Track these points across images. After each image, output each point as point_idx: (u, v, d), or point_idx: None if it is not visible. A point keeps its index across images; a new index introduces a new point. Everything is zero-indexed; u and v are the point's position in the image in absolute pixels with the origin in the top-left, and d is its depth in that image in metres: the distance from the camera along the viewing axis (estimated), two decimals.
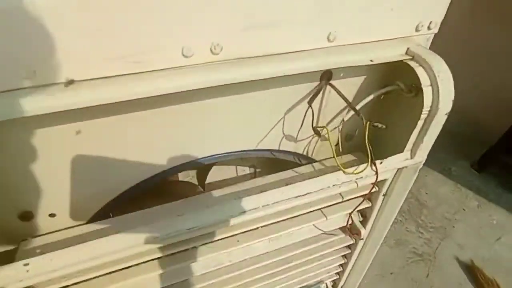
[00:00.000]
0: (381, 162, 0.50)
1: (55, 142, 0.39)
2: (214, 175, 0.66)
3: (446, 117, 0.48)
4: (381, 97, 0.55)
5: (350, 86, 0.53)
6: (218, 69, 0.38)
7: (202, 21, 0.36)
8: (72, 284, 0.43)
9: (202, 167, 0.67)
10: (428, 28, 0.51)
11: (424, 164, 1.94)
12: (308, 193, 0.45)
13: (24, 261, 0.34)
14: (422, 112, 0.46)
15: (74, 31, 0.31)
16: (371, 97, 0.51)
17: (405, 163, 0.52)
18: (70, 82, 0.33)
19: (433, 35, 0.53)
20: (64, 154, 0.41)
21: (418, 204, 1.75)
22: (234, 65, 0.40)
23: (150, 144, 0.46)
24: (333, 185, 0.47)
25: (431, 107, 0.46)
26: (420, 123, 0.48)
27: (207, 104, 0.45)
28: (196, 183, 0.69)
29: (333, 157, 0.47)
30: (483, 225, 1.69)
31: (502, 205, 1.79)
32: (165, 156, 0.48)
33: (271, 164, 0.65)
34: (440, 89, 0.45)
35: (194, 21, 0.36)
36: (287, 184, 0.46)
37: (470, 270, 1.49)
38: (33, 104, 0.31)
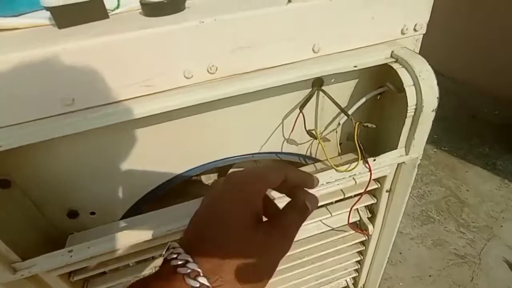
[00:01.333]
0: (374, 159, 0.53)
1: (95, 153, 0.49)
2: None
3: (433, 113, 0.50)
4: (378, 97, 0.59)
5: (344, 89, 0.57)
6: (214, 86, 0.46)
7: (196, 49, 0.43)
8: (109, 271, 0.53)
9: (221, 170, 0.74)
10: (415, 30, 0.54)
11: (463, 159, 1.86)
12: None
13: (69, 248, 0.44)
14: (408, 110, 0.49)
15: (105, 68, 0.41)
16: (363, 100, 0.55)
17: (400, 159, 0.55)
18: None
19: (421, 35, 0.55)
20: (102, 163, 0.51)
21: (458, 202, 1.67)
22: (228, 81, 0.46)
23: (171, 150, 0.54)
24: (327, 183, 0.51)
25: (416, 105, 0.49)
26: (408, 121, 0.51)
27: (213, 115, 0.53)
28: None
29: (326, 157, 0.51)
30: None
31: None
32: (182, 160, 0.57)
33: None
34: (422, 88, 0.48)
35: (189, 50, 0.43)
36: None
37: None
38: (76, 125, 0.41)
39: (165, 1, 0.43)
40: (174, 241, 0.28)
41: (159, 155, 0.54)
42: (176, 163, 0.56)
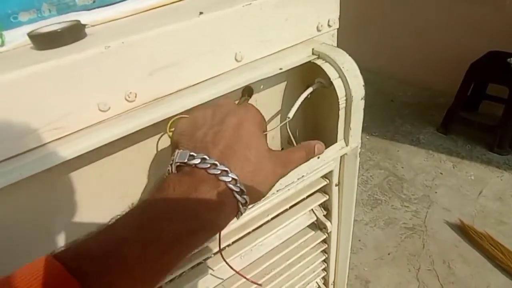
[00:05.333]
0: (318, 157, 0.53)
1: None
2: None
3: (363, 101, 0.52)
4: (308, 97, 0.59)
5: (276, 93, 0.57)
6: (136, 115, 0.41)
7: (107, 77, 0.39)
8: None
9: None
10: (329, 25, 0.56)
11: (392, 140, 2.01)
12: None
13: None
14: (340, 103, 0.50)
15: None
16: (298, 102, 0.54)
17: (342, 151, 0.55)
18: None
19: (336, 30, 0.58)
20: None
21: (398, 180, 1.81)
22: (152, 106, 0.42)
23: (107, 192, 0.47)
24: (277, 190, 0.49)
25: (346, 96, 0.50)
26: (341, 113, 0.52)
27: (149, 143, 0.47)
28: None
29: None
30: (463, 183, 1.76)
31: (474, 159, 1.87)
32: (118, 204, 0.50)
33: None
34: (348, 79, 0.49)
35: (99, 80, 0.38)
36: None
37: (461, 229, 1.54)
38: None
39: (59, 30, 0.38)
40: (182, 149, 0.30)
41: (94, 202, 0.47)
42: (111, 209, 0.49)
